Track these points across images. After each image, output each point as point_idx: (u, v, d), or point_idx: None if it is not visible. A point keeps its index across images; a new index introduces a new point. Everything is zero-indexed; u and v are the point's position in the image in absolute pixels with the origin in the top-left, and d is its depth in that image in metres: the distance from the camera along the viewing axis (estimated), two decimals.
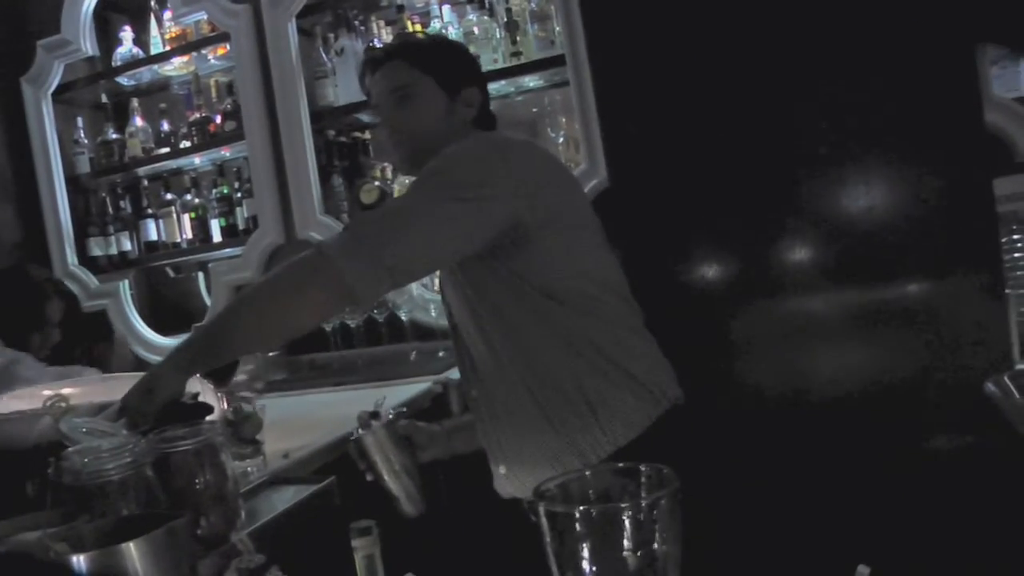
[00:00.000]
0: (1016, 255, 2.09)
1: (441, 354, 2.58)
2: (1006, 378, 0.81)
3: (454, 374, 2.27)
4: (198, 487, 1.15)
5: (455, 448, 1.70)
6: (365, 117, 2.94)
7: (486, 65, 2.60)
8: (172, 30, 3.21)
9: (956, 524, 1.81)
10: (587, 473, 0.66)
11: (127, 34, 3.25)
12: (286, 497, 1.48)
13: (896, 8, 1.92)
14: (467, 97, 1.59)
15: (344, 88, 2.86)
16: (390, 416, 1.62)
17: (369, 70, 1.62)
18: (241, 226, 3.10)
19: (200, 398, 1.39)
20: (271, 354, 2.71)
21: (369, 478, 1.60)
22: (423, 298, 2.77)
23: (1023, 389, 0.79)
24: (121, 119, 3.31)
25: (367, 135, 3.02)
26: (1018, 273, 2.08)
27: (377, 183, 2.88)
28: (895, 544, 1.73)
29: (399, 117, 1.57)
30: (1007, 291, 1.93)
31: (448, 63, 1.60)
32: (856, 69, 1.96)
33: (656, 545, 0.59)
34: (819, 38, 1.98)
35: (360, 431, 1.59)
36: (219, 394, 1.65)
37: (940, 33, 1.90)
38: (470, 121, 1.60)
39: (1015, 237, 2.10)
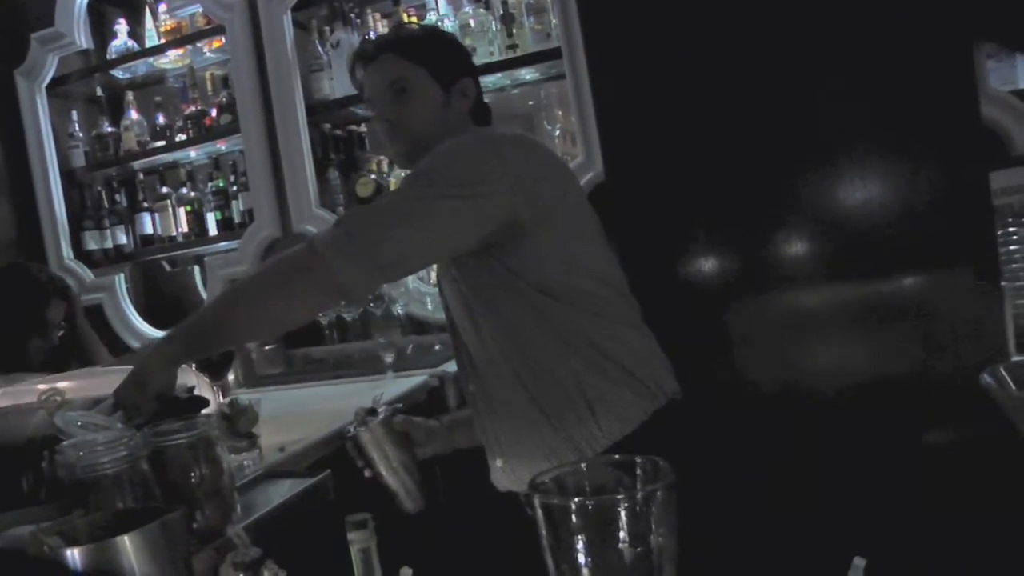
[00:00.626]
0: (1012, 248, 2.09)
1: (437, 347, 2.58)
2: (1002, 370, 0.81)
3: (451, 367, 2.27)
4: (193, 481, 1.15)
5: (456, 443, 1.70)
6: (361, 110, 2.93)
7: (482, 58, 2.59)
8: (167, 23, 3.20)
9: (953, 516, 1.81)
10: (583, 466, 0.66)
11: (122, 27, 3.23)
12: (282, 491, 1.48)
13: (893, 2, 1.92)
14: (462, 88, 1.58)
15: (340, 81, 2.85)
16: (387, 412, 1.62)
17: (361, 64, 1.60)
18: (237, 219, 3.09)
19: (195, 392, 1.39)
20: (266, 348, 2.71)
21: (367, 475, 1.59)
22: (419, 291, 2.76)
23: (1019, 381, 0.79)
24: (116, 112, 3.30)
25: (363, 128, 3.01)
26: (1014, 266, 2.08)
27: (373, 176, 2.88)
28: (892, 536, 1.73)
29: (395, 111, 1.55)
30: (1003, 284, 1.93)
31: (442, 55, 1.59)
32: (852, 63, 1.96)
33: (651, 538, 0.59)
34: (816, 32, 1.98)
35: (357, 428, 1.59)
36: (214, 388, 1.65)
37: (936, 27, 1.90)
38: (466, 113, 1.59)
39: (1011, 230, 2.10)
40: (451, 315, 1.58)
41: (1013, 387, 0.79)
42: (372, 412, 1.61)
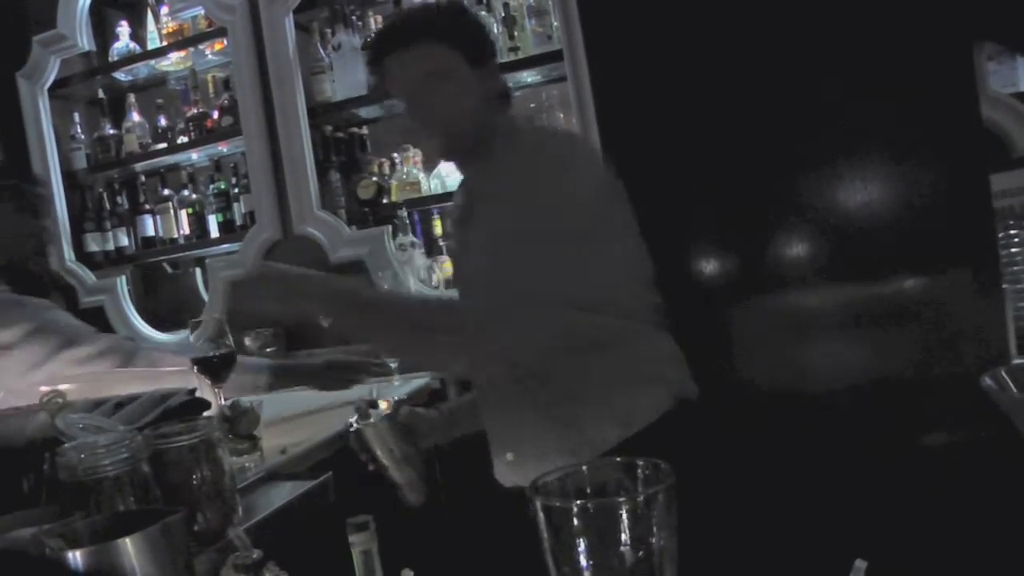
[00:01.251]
0: (1013, 250, 2.09)
1: None
2: (1003, 372, 0.80)
3: None
4: (195, 483, 1.15)
5: (455, 432, 1.68)
6: (362, 112, 2.94)
7: None
8: (169, 25, 3.20)
9: (954, 518, 1.81)
10: (584, 468, 0.66)
11: (124, 29, 3.24)
12: (283, 493, 1.48)
13: (893, 3, 1.92)
14: (491, 71, 1.52)
15: (341, 83, 2.86)
16: (390, 405, 1.60)
17: (391, 50, 1.49)
18: (238, 221, 3.09)
19: (197, 394, 1.39)
20: (267, 350, 2.70)
21: (371, 468, 1.58)
22: (421, 294, 2.76)
23: (1020, 383, 0.79)
24: (118, 114, 3.30)
25: (364, 130, 3.02)
26: (1014, 268, 2.08)
27: (374, 178, 2.88)
28: (893, 538, 1.73)
29: (436, 102, 1.47)
30: (1004, 286, 1.93)
31: (473, 36, 1.51)
32: (853, 64, 1.96)
33: (653, 540, 0.59)
34: (817, 33, 1.98)
35: (359, 422, 1.57)
36: (216, 390, 1.66)
37: (937, 29, 1.90)
38: (495, 98, 1.53)
39: (1012, 232, 2.10)
40: None
41: (1014, 389, 0.79)
42: (373, 404, 1.59)
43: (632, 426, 1.41)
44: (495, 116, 1.51)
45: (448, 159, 1.55)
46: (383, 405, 1.61)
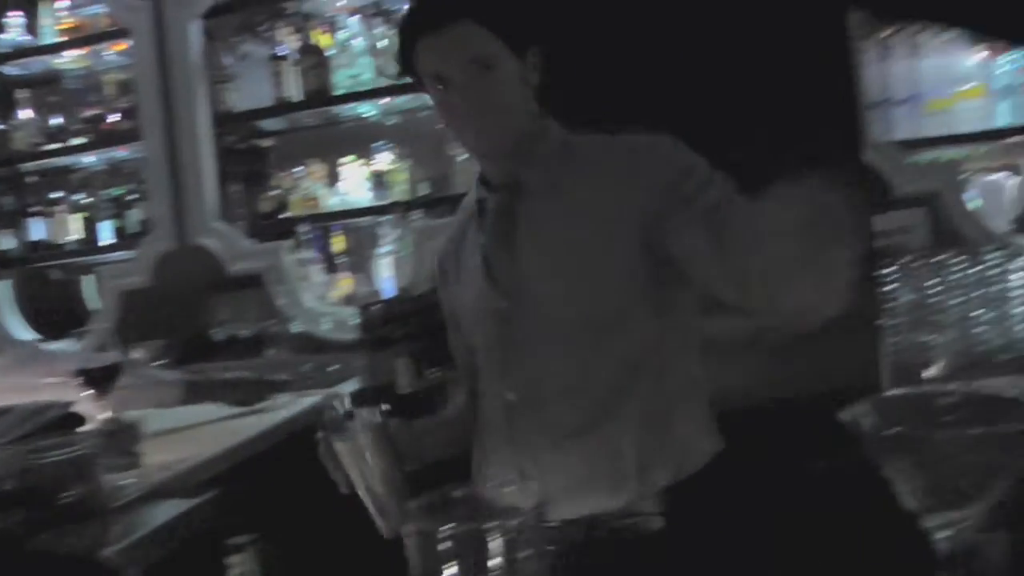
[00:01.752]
0: (890, 287, 2.20)
1: (335, 367, 2.54)
2: (865, 407, 0.85)
3: (345, 387, 2.25)
4: (68, 499, 1.11)
5: (435, 455, 1.43)
6: (266, 124, 2.90)
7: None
8: (67, 21, 3.09)
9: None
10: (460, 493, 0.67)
11: (14, 20, 3.10)
12: (164, 511, 1.43)
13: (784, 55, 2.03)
14: (535, 59, 1.33)
15: (247, 93, 2.83)
16: (373, 415, 1.29)
17: (422, 33, 1.29)
18: (133, 229, 3.00)
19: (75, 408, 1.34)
20: (154, 363, 2.61)
21: (343, 490, 1.32)
22: (315, 311, 2.73)
23: (886, 417, 0.83)
24: (6, 110, 3.16)
25: (268, 143, 2.98)
26: (892, 304, 2.18)
27: (276, 192, 2.85)
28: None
29: (480, 93, 1.28)
30: (881, 321, 2.03)
31: (515, 13, 1.34)
32: (744, 112, 2.05)
33: (527, 565, 0.60)
34: (709, 86, 2.06)
35: (333, 436, 1.29)
36: (99, 404, 1.60)
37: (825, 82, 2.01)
38: (535, 89, 1.35)
39: (889, 270, 2.21)
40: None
41: (876, 422, 0.83)
42: (350, 416, 1.30)
43: (681, 471, 1.33)
44: (534, 109, 1.37)
45: (488, 158, 1.38)
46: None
